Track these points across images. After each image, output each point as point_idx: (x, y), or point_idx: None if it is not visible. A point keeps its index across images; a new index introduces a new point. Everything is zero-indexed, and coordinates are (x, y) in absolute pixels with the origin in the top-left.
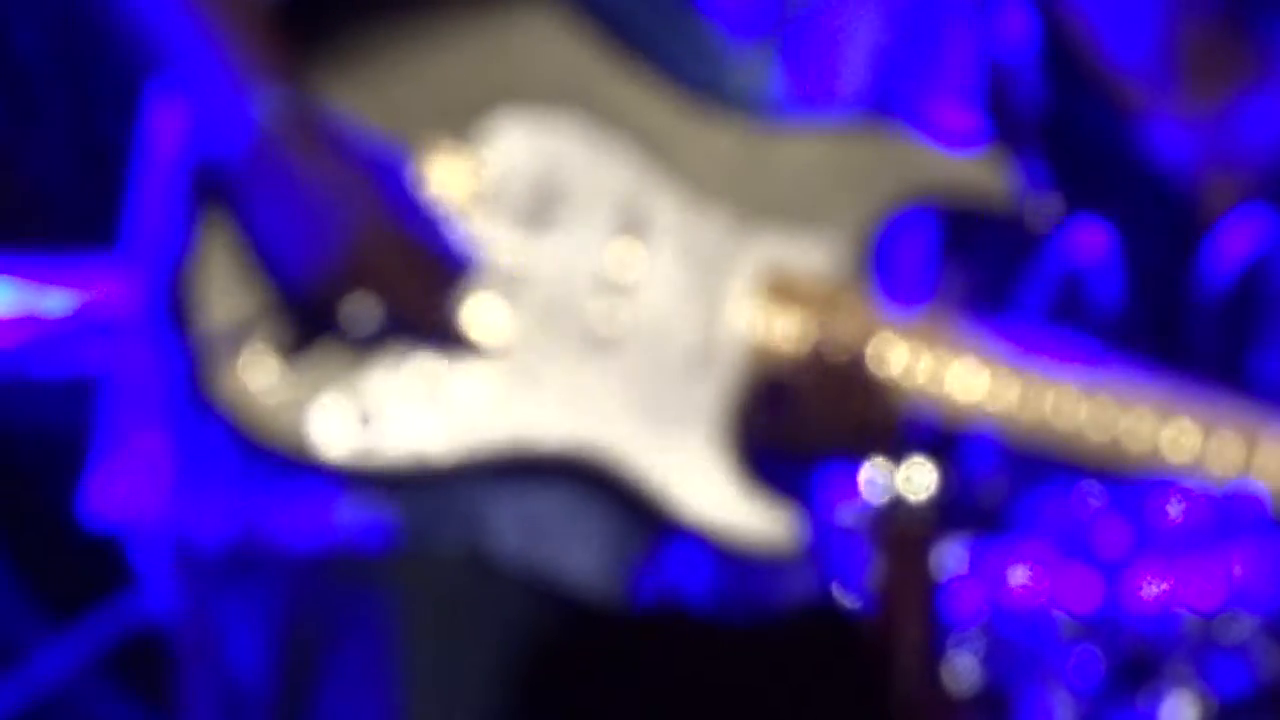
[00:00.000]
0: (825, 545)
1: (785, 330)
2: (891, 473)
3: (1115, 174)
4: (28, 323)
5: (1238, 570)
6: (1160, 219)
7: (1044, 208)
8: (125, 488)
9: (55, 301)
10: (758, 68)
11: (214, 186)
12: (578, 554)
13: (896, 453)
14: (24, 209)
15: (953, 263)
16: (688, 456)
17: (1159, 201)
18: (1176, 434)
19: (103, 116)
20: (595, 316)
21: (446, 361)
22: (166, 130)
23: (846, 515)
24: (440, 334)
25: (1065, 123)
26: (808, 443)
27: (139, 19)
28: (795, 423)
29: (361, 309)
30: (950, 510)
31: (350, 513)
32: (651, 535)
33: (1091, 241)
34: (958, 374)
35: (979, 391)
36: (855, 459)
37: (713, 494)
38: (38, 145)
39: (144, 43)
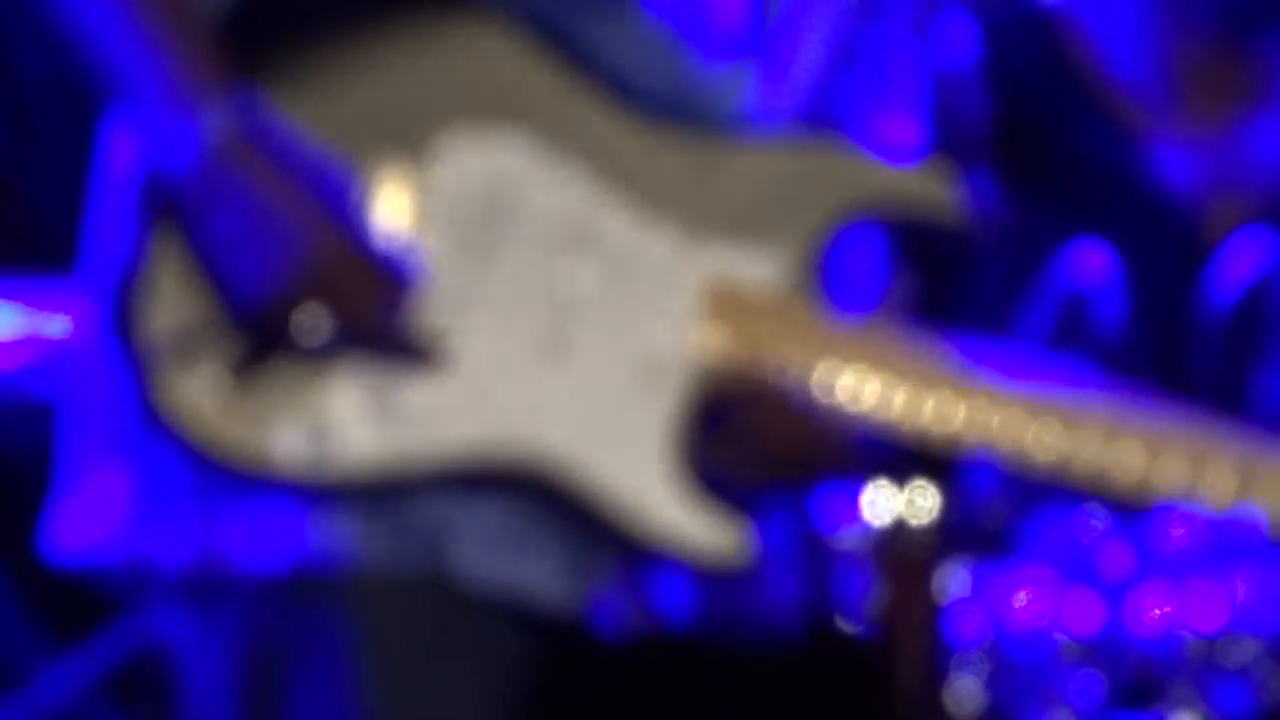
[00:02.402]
0: (815, 562)
1: (733, 344)
2: (893, 496)
3: (1119, 196)
4: (29, 345)
5: (1240, 593)
6: (1164, 241)
7: (987, 220)
8: (84, 521)
9: (56, 324)
10: (732, 87)
11: (164, 205)
12: (539, 571)
13: (845, 473)
14: (25, 232)
15: (899, 275)
16: (638, 470)
17: (1163, 224)
18: (1122, 453)
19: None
20: (544, 331)
21: (398, 375)
22: (120, 151)
23: (849, 539)
24: (391, 345)
25: (1068, 144)
26: (755, 458)
27: (85, 40)
28: (742, 438)
29: (312, 319)
30: (952, 533)
31: (309, 533)
32: (612, 550)
33: (1094, 264)
34: (904, 398)
35: (925, 415)
36: (808, 476)
37: (664, 507)
38: (40, 169)
39: (95, 63)
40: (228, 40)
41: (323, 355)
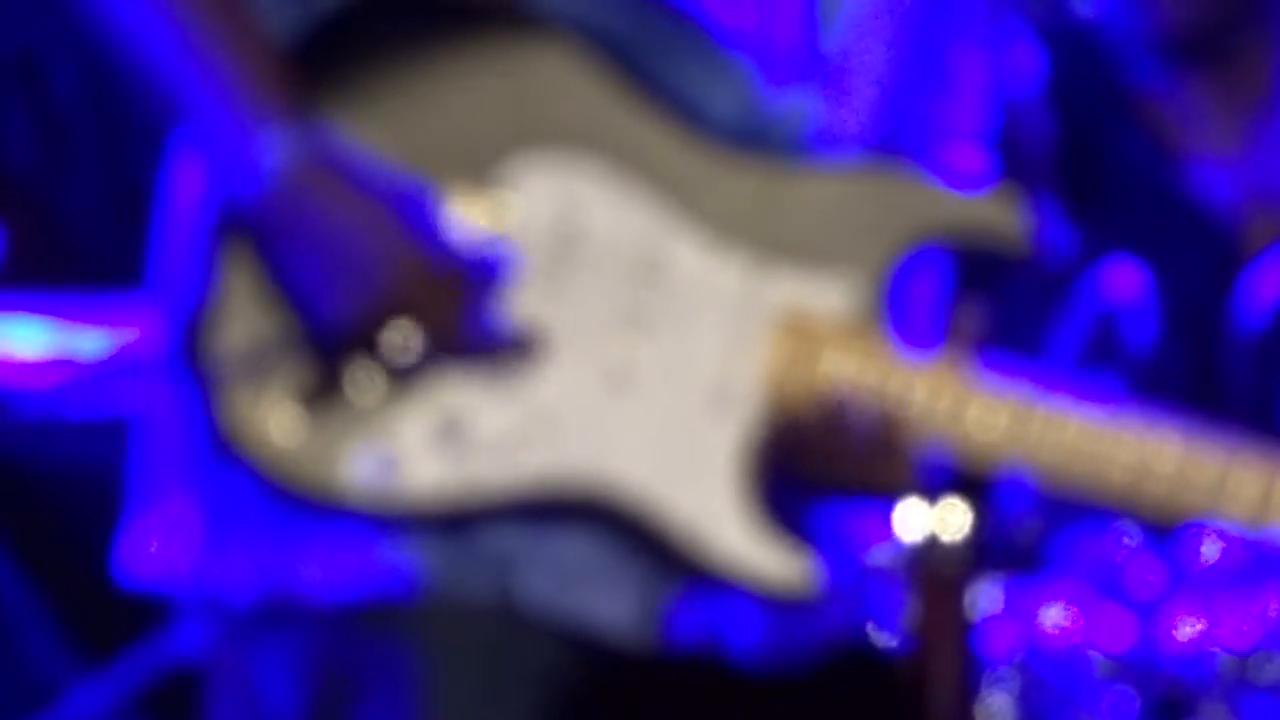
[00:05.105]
0: (856, 586)
1: (805, 372)
2: (926, 513)
3: (1157, 210)
4: (63, 365)
5: (1272, 610)
6: (1200, 256)
7: (1051, 246)
8: (157, 545)
9: (90, 343)
10: (799, 116)
11: (236, 232)
12: (608, 600)
13: (914, 495)
14: (61, 250)
15: (967, 302)
16: (707, 500)
17: (1199, 238)
18: (1196, 471)
19: (138, 159)
20: (615, 357)
21: (468, 402)
22: (188, 176)
23: (881, 555)
24: (485, 347)
25: (1112, 159)
26: (826, 485)
27: (151, 67)
28: (814, 465)
29: (403, 336)
30: (985, 550)
31: (379, 561)
32: (681, 580)
33: (1127, 281)
34: (976, 416)
35: (997, 433)
36: (873, 501)
37: (732, 537)
38: (74, 188)
39: (160, 90)
40: (295, 64)
41: (417, 371)
